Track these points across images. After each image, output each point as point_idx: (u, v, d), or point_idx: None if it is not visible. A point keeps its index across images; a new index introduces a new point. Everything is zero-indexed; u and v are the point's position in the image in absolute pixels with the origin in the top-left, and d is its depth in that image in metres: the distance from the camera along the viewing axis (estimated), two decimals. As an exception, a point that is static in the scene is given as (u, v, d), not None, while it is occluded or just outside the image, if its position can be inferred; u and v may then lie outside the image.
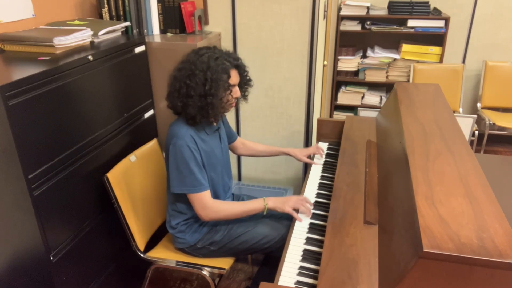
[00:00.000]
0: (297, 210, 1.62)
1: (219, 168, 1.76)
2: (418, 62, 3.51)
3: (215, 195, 1.75)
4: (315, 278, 1.29)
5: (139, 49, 1.98)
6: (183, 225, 1.73)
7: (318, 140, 2.25)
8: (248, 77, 1.73)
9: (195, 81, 1.54)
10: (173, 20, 2.20)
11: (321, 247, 1.41)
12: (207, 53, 1.58)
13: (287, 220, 1.76)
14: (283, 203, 1.62)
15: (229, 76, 1.59)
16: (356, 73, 3.73)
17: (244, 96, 1.76)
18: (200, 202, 1.61)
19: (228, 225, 1.74)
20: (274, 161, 2.55)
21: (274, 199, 1.65)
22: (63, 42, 1.65)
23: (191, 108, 1.57)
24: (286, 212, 1.61)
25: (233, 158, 2.58)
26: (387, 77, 3.64)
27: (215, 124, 1.74)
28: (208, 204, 1.61)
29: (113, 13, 2.14)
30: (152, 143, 1.99)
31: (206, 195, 1.62)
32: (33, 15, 1.86)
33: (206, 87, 1.54)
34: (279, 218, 1.81)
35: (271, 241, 1.70)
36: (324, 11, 2.47)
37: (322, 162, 2.01)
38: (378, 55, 3.57)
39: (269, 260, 1.98)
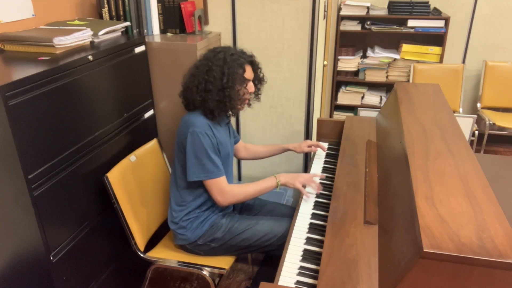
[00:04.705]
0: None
1: (229, 159, 1.81)
2: (418, 62, 3.51)
3: None
4: (315, 278, 1.29)
5: (139, 49, 1.98)
6: (184, 221, 1.74)
7: (318, 140, 2.25)
8: (261, 75, 1.82)
9: (213, 76, 1.63)
10: (173, 20, 2.20)
11: (321, 247, 1.41)
12: (223, 51, 1.69)
13: (288, 218, 1.76)
14: (293, 179, 1.72)
15: (244, 71, 1.68)
16: (356, 73, 3.73)
17: (257, 94, 1.83)
18: (218, 187, 1.66)
19: (229, 222, 1.75)
20: (274, 161, 2.55)
21: (286, 175, 1.73)
22: (63, 42, 1.65)
23: (210, 102, 1.65)
24: (296, 187, 1.70)
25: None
26: (387, 77, 3.64)
27: (230, 117, 1.83)
28: (225, 189, 1.67)
29: (113, 13, 2.14)
30: (152, 143, 1.99)
31: (223, 180, 1.67)
32: (33, 15, 1.86)
33: (223, 81, 1.63)
34: (280, 216, 1.82)
35: (272, 238, 1.71)
36: (324, 11, 2.47)
37: (322, 162, 2.01)
38: (378, 55, 3.56)
39: (269, 259, 1.98)
